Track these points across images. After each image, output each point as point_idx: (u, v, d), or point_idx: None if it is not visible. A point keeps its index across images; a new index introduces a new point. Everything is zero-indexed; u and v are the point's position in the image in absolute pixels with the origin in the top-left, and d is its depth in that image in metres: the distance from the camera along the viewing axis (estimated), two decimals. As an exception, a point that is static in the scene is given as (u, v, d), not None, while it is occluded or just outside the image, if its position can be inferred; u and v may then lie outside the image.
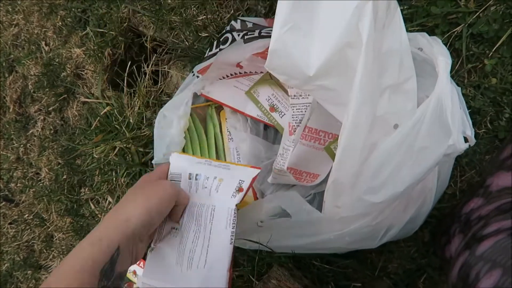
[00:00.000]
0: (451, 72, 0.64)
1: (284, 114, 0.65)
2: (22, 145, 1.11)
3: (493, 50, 0.62)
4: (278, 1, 0.43)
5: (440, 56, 0.45)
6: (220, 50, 0.64)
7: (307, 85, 0.45)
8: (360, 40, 0.40)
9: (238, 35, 0.62)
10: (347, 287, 0.68)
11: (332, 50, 0.42)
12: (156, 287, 0.54)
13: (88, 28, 0.96)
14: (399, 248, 0.67)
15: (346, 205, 0.49)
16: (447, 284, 0.48)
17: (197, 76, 0.68)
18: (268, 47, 0.47)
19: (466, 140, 0.43)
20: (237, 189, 0.56)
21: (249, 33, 0.61)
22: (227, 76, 0.70)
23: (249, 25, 0.64)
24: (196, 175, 0.57)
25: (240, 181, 0.56)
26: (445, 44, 0.64)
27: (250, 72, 0.68)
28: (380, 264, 0.67)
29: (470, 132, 0.43)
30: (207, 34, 0.79)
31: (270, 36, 0.54)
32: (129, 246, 0.42)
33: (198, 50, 0.80)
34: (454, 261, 0.47)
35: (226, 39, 0.63)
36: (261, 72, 0.68)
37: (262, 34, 0.60)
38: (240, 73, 0.69)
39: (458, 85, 0.64)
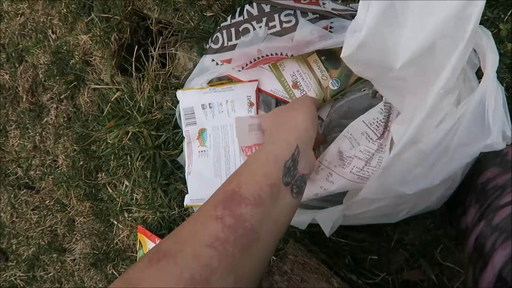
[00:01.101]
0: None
1: (305, 92, 0.64)
2: (37, 134, 1.13)
3: (508, 14, 0.59)
4: None
5: (489, 52, 0.42)
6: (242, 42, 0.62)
7: (384, 77, 0.42)
8: (457, 34, 0.37)
9: (260, 27, 0.60)
10: (364, 260, 0.69)
11: (424, 42, 0.38)
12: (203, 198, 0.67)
13: (93, 14, 0.95)
14: (415, 219, 0.67)
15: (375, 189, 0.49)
16: (463, 254, 0.48)
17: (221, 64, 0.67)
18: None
19: None
20: (248, 104, 0.66)
21: (270, 26, 0.60)
22: (248, 64, 0.67)
23: (267, 9, 0.62)
24: (209, 103, 0.68)
25: (248, 97, 0.66)
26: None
27: (270, 54, 0.65)
28: (396, 237, 0.68)
29: (510, 133, 0.41)
30: (212, 14, 0.78)
31: (292, 30, 0.55)
32: (304, 149, 0.45)
33: (204, 30, 0.79)
34: (469, 232, 0.47)
35: (247, 30, 0.62)
36: (281, 54, 0.65)
37: (283, 26, 0.59)
38: (260, 57, 0.66)
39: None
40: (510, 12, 0.59)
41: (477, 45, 0.44)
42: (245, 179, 0.39)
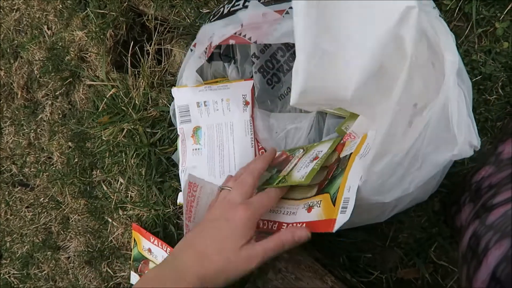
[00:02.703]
0: (460, 38, 0.62)
1: None
2: (32, 131, 1.12)
3: (504, 12, 0.59)
4: (295, 29, 0.37)
5: (446, 53, 0.40)
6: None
7: (343, 104, 0.43)
8: (400, 52, 0.36)
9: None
10: (358, 258, 0.69)
11: (369, 69, 0.37)
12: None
13: (88, 10, 0.95)
14: (410, 218, 0.67)
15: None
16: (458, 253, 0.48)
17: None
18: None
19: None
20: (244, 103, 0.66)
21: (235, 4, 0.58)
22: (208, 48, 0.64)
23: None
24: (204, 102, 0.67)
25: (243, 95, 0.66)
26: (454, 8, 0.62)
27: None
28: (391, 235, 0.68)
29: (476, 142, 0.40)
30: (208, 10, 0.78)
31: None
32: None
33: (200, 27, 0.79)
34: (464, 231, 0.47)
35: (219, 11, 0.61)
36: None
37: (246, 4, 0.57)
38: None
39: (468, 51, 0.62)
40: (506, 10, 0.59)
41: (435, 44, 0.41)
42: None
